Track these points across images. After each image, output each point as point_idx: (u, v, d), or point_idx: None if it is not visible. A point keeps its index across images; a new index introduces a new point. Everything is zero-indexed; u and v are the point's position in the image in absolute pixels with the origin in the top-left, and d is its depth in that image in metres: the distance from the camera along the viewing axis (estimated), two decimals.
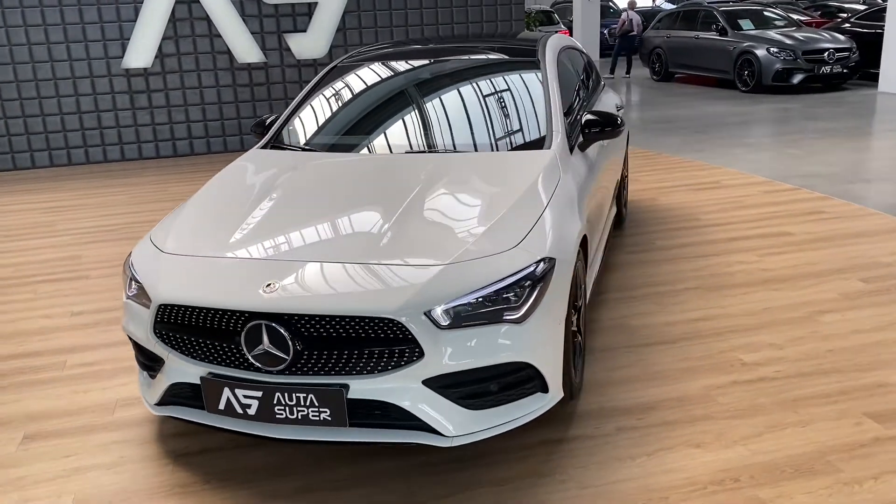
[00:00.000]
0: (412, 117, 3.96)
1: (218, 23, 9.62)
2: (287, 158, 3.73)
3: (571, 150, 3.59)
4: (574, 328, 3.09)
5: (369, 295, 2.51)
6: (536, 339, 2.65)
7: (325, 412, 2.52)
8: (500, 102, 3.88)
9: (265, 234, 2.91)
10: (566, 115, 3.74)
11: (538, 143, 3.53)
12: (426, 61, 4.34)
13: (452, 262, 2.61)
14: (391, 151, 3.63)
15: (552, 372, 2.74)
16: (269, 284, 2.56)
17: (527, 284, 2.63)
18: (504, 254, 2.67)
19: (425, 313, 2.48)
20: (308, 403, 2.52)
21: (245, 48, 9.77)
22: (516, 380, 2.66)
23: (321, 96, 4.17)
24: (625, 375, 3.41)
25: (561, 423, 3.03)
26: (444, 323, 2.50)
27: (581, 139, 3.72)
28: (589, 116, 3.71)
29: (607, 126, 3.72)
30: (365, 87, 4.24)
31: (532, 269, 2.66)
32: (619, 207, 5.36)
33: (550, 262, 2.73)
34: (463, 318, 2.53)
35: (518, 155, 3.48)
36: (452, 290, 2.53)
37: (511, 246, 2.71)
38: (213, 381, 2.62)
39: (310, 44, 9.95)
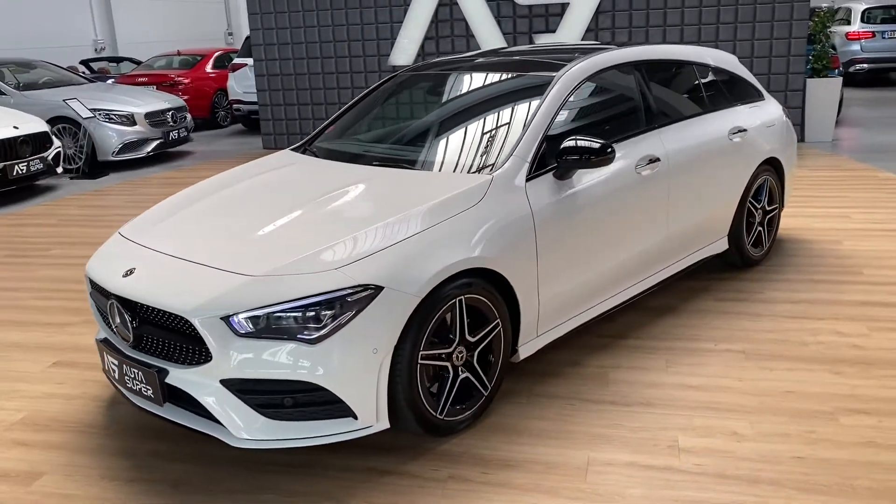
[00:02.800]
0: (400, 132, 4.00)
1: (473, 23, 10.16)
2: (273, 161, 4.04)
3: (533, 177, 3.33)
4: (458, 363, 2.97)
5: (178, 293, 2.77)
6: (336, 364, 2.65)
7: (149, 389, 2.86)
8: (486, 126, 3.73)
9: (173, 227, 3.30)
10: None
11: (490, 167, 3.35)
12: (450, 79, 4.28)
13: (267, 273, 2.74)
14: (357, 162, 3.71)
15: (359, 400, 2.71)
16: (129, 271, 2.96)
17: (333, 307, 2.64)
18: (321, 273, 2.71)
19: (223, 318, 2.65)
20: (139, 378, 2.88)
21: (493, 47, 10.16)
22: (311, 399, 2.70)
23: (361, 103, 4.39)
24: (528, 427, 3.12)
25: (403, 456, 2.93)
26: (243, 331, 2.65)
27: (558, 167, 3.42)
28: (567, 143, 3.39)
29: (586, 154, 3.36)
30: (386, 99, 4.34)
31: (342, 293, 2.65)
32: (739, 245, 4.66)
33: (373, 289, 2.68)
34: (262, 329, 2.65)
35: (451, 177, 3.34)
36: (254, 300, 2.66)
37: (335, 266, 2.72)
38: (100, 344, 3.13)
39: None
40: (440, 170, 3.44)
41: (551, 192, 3.38)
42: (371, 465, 2.89)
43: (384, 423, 2.79)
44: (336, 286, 2.67)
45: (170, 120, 10.72)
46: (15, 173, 8.06)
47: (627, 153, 3.79)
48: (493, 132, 3.66)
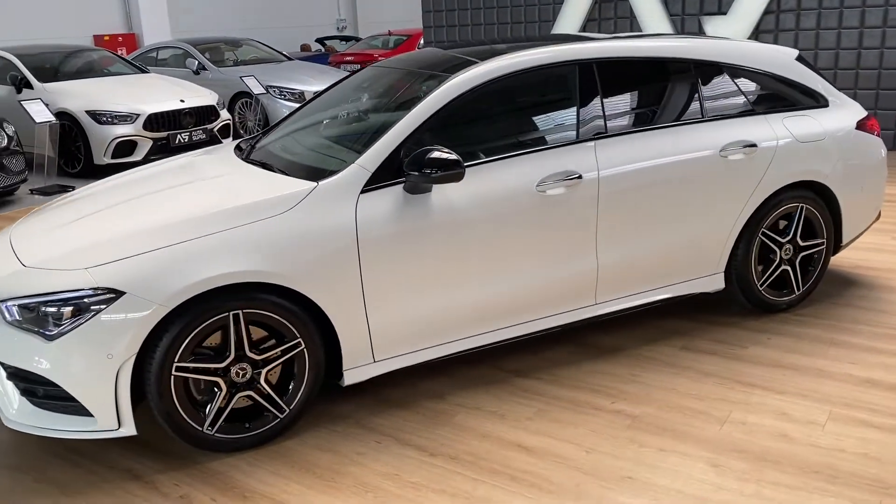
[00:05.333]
0: (303, 128, 3.77)
1: (636, 4, 9.32)
2: (192, 154, 4.04)
3: (372, 189, 3.01)
4: (239, 380, 2.87)
5: None
6: (68, 363, 2.68)
7: None
8: (360, 130, 3.41)
9: (55, 213, 3.46)
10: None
11: (328, 174, 3.08)
12: (379, 77, 3.92)
13: (33, 265, 2.83)
14: (248, 159, 3.57)
15: (95, 402, 2.71)
16: None
17: (72, 306, 2.66)
18: (70, 271, 2.73)
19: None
20: None
21: (657, 31, 9.24)
22: (53, 393, 2.75)
23: (319, 98, 4.22)
24: (309, 461, 2.88)
25: (162, 464, 2.88)
26: (10, 318, 2.78)
27: (406, 181, 3.05)
28: (414, 154, 3.00)
29: (429, 169, 2.95)
30: (330, 92, 4.10)
31: (82, 293, 2.66)
32: (745, 286, 3.84)
33: (114, 293, 2.65)
34: (23, 318, 2.76)
35: (283, 181, 3.10)
36: (17, 290, 2.78)
37: (86, 266, 2.72)
38: None
39: (728, 28, 8.77)
40: (287, 173, 3.23)
41: (396, 207, 3.03)
42: (127, 467, 2.88)
43: (130, 429, 2.76)
44: (77, 286, 2.67)
45: None
46: (177, 141, 9.09)
47: (527, 168, 3.26)
48: (360, 138, 3.37)
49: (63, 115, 8.80)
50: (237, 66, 11.95)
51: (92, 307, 2.65)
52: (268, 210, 2.91)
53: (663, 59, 3.71)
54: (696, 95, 3.74)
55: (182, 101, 9.18)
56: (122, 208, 3.19)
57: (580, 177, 3.33)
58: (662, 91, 3.76)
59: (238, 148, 3.85)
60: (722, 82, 3.82)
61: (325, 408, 3.22)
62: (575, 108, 3.47)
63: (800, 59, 4.13)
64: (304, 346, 2.94)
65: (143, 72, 10.44)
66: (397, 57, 4.14)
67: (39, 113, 8.03)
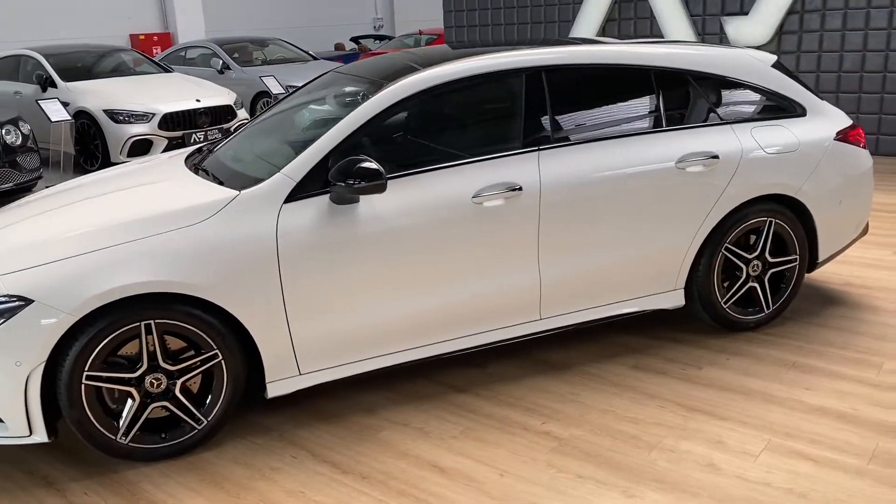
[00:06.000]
0: (256, 136, 3.73)
1: (655, 4, 9.07)
2: (143, 161, 4.06)
3: (297, 199, 2.96)
4: (154, 390, 2.85)
5: None
6: None
7: None
8: (297, 139, 3.34)
9: (15, 210, 3.49)
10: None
11: (255, 183, 3.04)
12: (334, 83, 3.85)
13: None
14: (195, 168, 3.57)
15: (4, 408, 2.72)
16: None
17: None
18: None
19: None
20: None
21: (677, 32, 8.98)
22: None
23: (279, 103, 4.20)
24: (214, 473, 2.84)
25: (77, 472, 2.88)
26: None
27: (331, 191, 2.99)
28: (338, 165, 2.94)
29: (350, 178, 2.89)
30: (291, 98, 4.06)
31: None
32: (708, 303, 3.67)
33: (22, 301, 2.66)
34: None
35: (207, 189, 3.07)
36: None
37: (1, 273, 2.75)
38: None
39: (749, 28, 8.49)
40: (222, 181, 3.20)
41: (321, 217, 2.98)
42: (45, 473, 2.89)
43: (42, 436, 2.77)
44: None
45: None
46: (193, 141, 9.20)
47: (462, 179, 3.17)
48: (294, 145, 3.32)
49: (83, 114, 9.02)
50: (264, 65, 12.08)
51: (2, 314, 2.67)
52: (184, 219, 2.88)
53: (620, 67, 3.56)
54: (656, 105, 3.59)
55: (198, 100, 9.30)
56: (55, 214, 3.21)
57: (520, 188, 3.22)
58: (617, 100, 3.60)
59: (197, 152, 3.85)
60: (686, 91, 3.66)
61: (255, 419, 3.19)
62: (520, 118, 3.35)
63: (777, 65, 3.93)
64: (221, 357, 2.92)
65: (167, 71, 10.62)
66: (357, 63, 4.09)
67: (56, 112, 8.23)
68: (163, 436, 2.93)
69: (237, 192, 2.97)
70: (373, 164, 2.91)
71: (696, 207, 3.53)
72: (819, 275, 4.56)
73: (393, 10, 20.78)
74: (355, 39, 18.17)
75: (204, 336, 2.88)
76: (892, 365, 3.42)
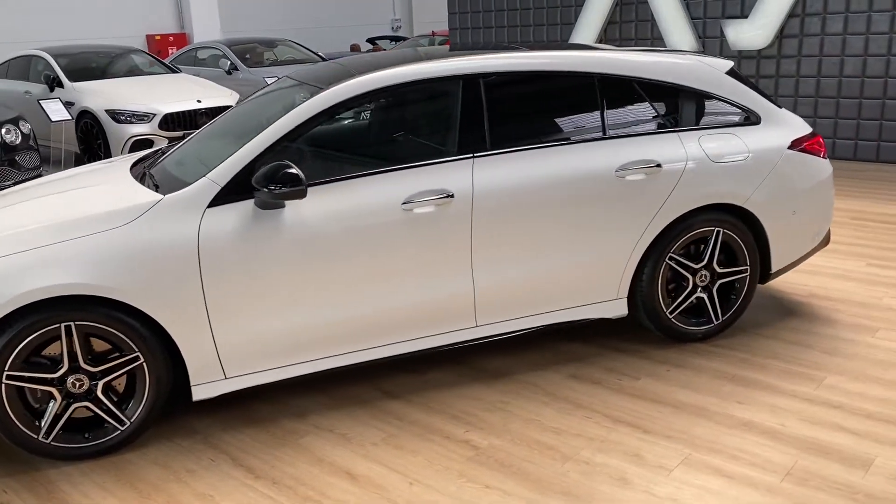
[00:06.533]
0: (204, 141, 3.75)
1: (654, 4, 8.98)
2: (98, 164, 4.11)
3: (220, 203, 2.99)
4: (77, 391, 2.91)
5: None
6: None
7: None
8: (231, 144, 3.35)
9: None
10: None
11: (182, 186, 3.07)
12: (280, 90, 3.84)
13: None
14: (139, 173, 3.61)
15: None
16: None
17: None
18: None
19: None
20: None
21: (677, 35, 8.88)
22: None
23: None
24: (125, 478, 2.88)
25: None
26: None
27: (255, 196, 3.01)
28: (261, 171, 2.96)
29: (271, 184, 2.91)
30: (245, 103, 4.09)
31: None
32: (653, 313, 3.62)
33: None
34: None
35: (134, 193, 3.12)
36: None
37: None
38: None
39: (749, 32, 8.35)
40: (158, 186, 3.24)
41: (245, 222, 3.00)
42: None
43: None
44: None
45: None
46: None
47: (393, 186, 3.17)
48: (231, 151, 3.33)
49: (86, 114, 9.18)
50: (272, 66, 12.18)
51: None
52: (107, 223, 2.92)
53: (563, 74, 3.54)
54: (598, 112, 3.55)
55: (199, 101, 9.42)
56: None
57: (452, 195, 3.22)
58: (559, 107, 3.58)
59: (152, 156, 3.91)
60: (631, 98, 3.62)
61: (184, 421, 3.23)
62: (455, 125, 3.34)
63: (731, 72, 3.87)
64: (143, 360, 2.95)
65: (175, 72, 10.77)
66: (305, 69, 4.11)
67: (56, 112, 8.39)
68: (86, 436, 2.98)
69: (161, 197, 3.01)
70: (294, 170, 2.93)
71: (636, 216, 3.49)
72: (784, 285, 4.48)
73: (411, 11, 20.83)
74: (371, 40, 18.24)
75: (125, 339, 2.92)
76: (833, 380, 3.35)
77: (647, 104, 3.63)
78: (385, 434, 3.08)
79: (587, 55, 3.61)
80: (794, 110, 8.29)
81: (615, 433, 3.01)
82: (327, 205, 3.09)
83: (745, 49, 8.47)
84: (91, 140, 9.20)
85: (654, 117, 3.63)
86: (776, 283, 4.50)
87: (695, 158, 3.57)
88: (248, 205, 3.03)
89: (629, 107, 3.62)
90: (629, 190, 3.47)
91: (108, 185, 3.40)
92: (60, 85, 9.85)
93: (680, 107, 3.70)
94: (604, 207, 3.45)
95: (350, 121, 3.37)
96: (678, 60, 3.76)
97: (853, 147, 8.07)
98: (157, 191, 3.14)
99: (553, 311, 3.53)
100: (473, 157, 3.31)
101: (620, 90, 3.61)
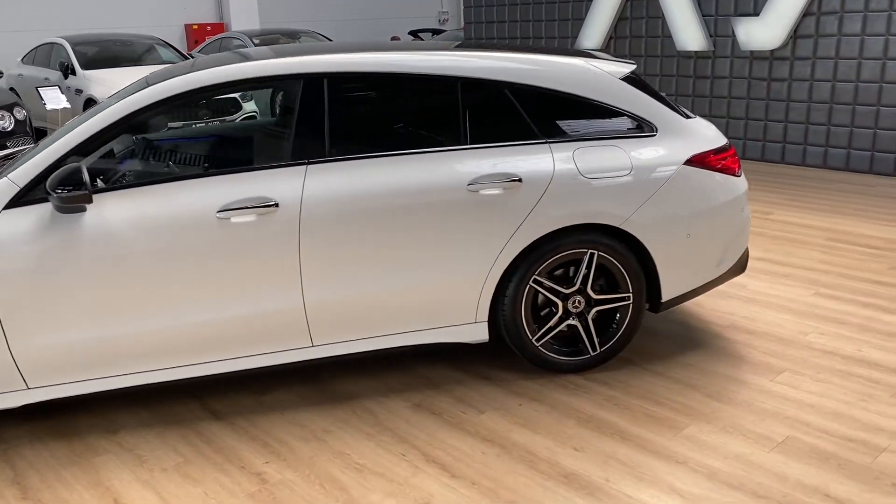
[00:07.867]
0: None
1: (666, 3, 8.46)
2: None
3: (19, 205, 2.85)
4: None
5: None
6: None
7: None
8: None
9: None
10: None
11: None
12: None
13: None
14: None
15: None
16: None
17: None
18: None
19: None
20: None
21: (688, 33, 8.34)
22: None
23: None
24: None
25: None
26: None
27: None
28: (58, 172, 2.79)
29: (59, 187, 2.74)
30: None
31: None
32: (518, 340, 3.30)
33: None
34: None
35: None
36: None
37: None
38: None
39: (760, 31, 7.76)
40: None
41: (42, 226, 2.84)
42: None
43: None
44: None
45: None
46: None
47: (208, 192, 2.96)
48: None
49: (92, 102, 9.33)
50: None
51: None
52: None
53: (420, 77, 3.25)
54: (458, 120, 3.25)
55: None
56: None
57: (276, 204, 2.99)
58: (412, 113, 3.29)
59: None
60: (499, 105, 3.30)
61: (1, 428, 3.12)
62: (291, 129, 3.11)
63: (629, 78, 3.49)
64: None
65: None
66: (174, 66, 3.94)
67: (53, 99, 8.53)
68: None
69: None
70: (82, 175, 2.76)
71: (492, 234, 3.18)
72: (705, 312, 4.07)
73: (460, 4, 20.48)
74: (413, 33, 18.02)
75: None
76: (695, 430, 2.96)
77: (517, 112, 3.30)
78: (182, 460, 2.89)
79: (451, 57, 3.31)
80: (807, 117, 7.68)
81: (420, 475, 2.73)
82: (133, 211, 2.91)
83: (757, 49, 7.88)
84: None
85: (524, 127, 3.30)
86: (694, 311, 4.09)
87: (564, 173, 3.22)
88: (47, 207, 2.87)
89: (497, 115, 3.30)
90: (483, 205, 3.16)
91: None
92: (74, 73, 10.05)
93: (556, 116, 3.35)
94: (454, 223, 3.15)
95: (182, 124, 3.18)
96: (560, 64, 3.41)
97: (869, 158, 7.40)
98: None
99: (403, 332, 3.26)
100: (308, 163, 3.07)
101: (487, 96, 3.29)
